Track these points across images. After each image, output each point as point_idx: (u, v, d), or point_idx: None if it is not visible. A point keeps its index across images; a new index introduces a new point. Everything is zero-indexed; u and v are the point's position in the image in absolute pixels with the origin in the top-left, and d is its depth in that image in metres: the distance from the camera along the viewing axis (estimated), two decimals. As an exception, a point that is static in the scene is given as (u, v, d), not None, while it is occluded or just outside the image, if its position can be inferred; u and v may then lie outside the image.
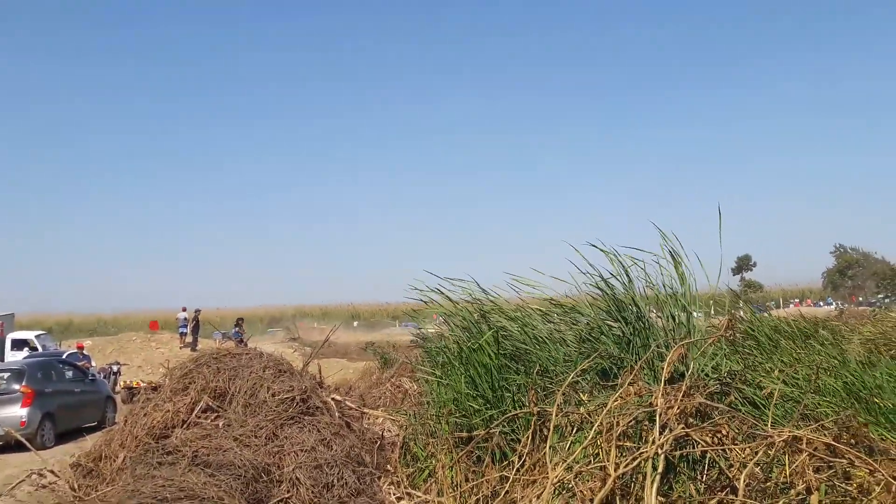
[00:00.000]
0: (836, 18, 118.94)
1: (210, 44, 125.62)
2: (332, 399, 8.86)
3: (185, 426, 7.87)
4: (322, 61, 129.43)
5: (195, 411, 8.04)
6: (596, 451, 5.01)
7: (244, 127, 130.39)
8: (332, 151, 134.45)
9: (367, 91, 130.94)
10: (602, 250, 7.13)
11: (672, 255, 6.99)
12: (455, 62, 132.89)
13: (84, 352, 26.86)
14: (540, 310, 8.17)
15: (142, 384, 20.33)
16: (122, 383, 23.35)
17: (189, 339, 33.23)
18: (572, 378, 5.84)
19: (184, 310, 34.26)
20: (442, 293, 8.47)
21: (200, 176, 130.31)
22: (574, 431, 5.52)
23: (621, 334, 6.81)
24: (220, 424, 7.76)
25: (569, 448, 5.20)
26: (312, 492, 6.77)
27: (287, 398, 8.03)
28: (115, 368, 26.32)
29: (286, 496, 6.76)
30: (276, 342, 36.39)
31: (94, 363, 25.67)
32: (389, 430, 9.00)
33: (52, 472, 8.02)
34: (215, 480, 6.45)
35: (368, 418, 9.40)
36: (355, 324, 58.49)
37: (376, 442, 8.19)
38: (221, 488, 6.34)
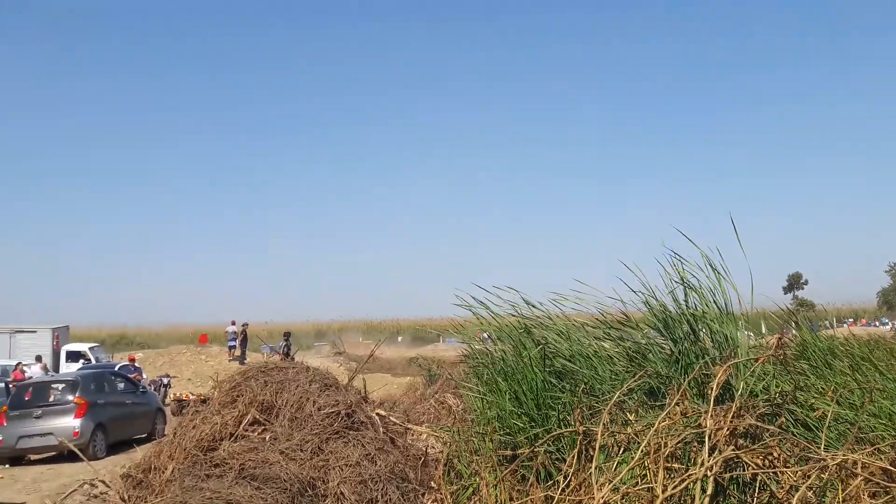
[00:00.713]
0: (887, 27, 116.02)
1: (243, 50, 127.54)
2: (377, 414, 8.90)
3: (232, 439, 7.97)
4: (364, 66, 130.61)
5: (243, 424, 8.14)
6: (643, 473, 4.94)
7: (289, 136, 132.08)
8: (377, 162, 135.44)
9: (406, 100, 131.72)
10: (657, 266, 7.04)
11: (722, 271, 6.87)
12: (500, 67, 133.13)
13: (135, 364, 27.49)
14: (587, 325, 8.09)
15: (191, 397, 20.69)
16: (171, 395, 23.78)
17: (237, 352, 33.73)
18: (618, 397, 5.75)
19: (233, 323, 34.81)
20: (487, 307, 8.43)
21: (250, 190, 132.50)
22: (621, 452, 5.44)
23: (670, 353, 6.71)
24: (267, 438, 7.84)
25: (615, 468, 5.13)
26: (357, 507, 6.80)
27: (332, 412, 8.09)
28: (165, 381, 26.84)
29: (331, 511, 6.80)
30: (322, 356, 36.70)
31: (145, 375, 26.25)
32: (433, 447, 8.99)
33: (103, 482, 8.20)
34: (262, 494, 6.52)
35: (412, 434, 9.40)
36: (399, 339, 58.67)
37: (420, 458, 8.18)
38: (268, 502, 6.41)
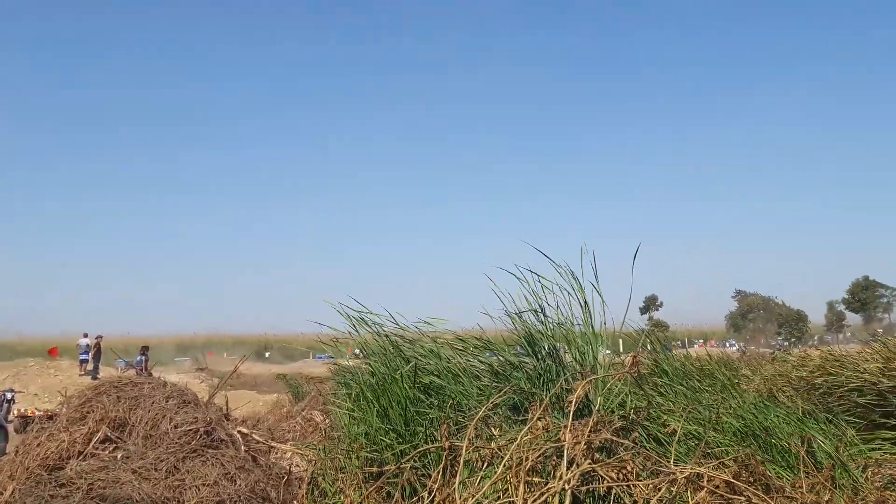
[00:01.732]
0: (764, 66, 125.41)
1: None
2: (239, 432, 8.61)
3: (81, 457, 7.47)
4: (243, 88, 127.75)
5: (92, 442, 7.65)
6: (505, 487, 5.01)
7: (163, 153, 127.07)
8: (247, 177, 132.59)
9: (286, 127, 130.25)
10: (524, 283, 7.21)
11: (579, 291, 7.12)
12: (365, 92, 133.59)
13: (-26, 378, 25.39)
14: (456, 342, 8.18)
15: (37, 413, 19.34)
16: (15, 412, 22.09)
17: (90, 366, 31.90)
18: (483, 412, 5.84)
19: (85, 336, 32.85)
20: (360, 322, 8.37)
21: (116, 198, 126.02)
22: (484, 466, 5.50)
23: (532, 369, 6.88)
24: (119, 456, 7.41)
25: (479, 483, 5.19)
26: (213, 528, 6.54)
27: (190, 430, 7.75)
28: (8, 396, 24.84)
29: (185, 532, 6.50)
30: (183, 372, 35.32)
31: (-16, 390, 24.30)
32: (298, 465, 8.79)
33: (-70, 506, 7.49)
34: (110, 515, 6.15)
35: (276, 452, 9.16)
36: (267, 354, 57.38)
37: (283, 477, 7.96)
38: (116, 523, 6.06)
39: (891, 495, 5.30)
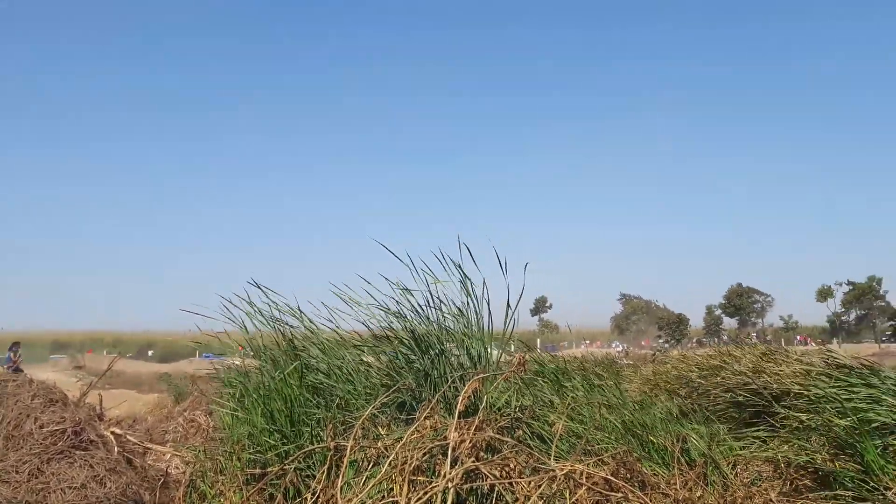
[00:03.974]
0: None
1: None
2: (112, 432, 8.17)
3: (-68, 462, 6.90)
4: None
5: (-53, 445, 7.08)
6: (390, 487, 4.97)
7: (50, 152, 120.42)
8: (134, 173, 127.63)
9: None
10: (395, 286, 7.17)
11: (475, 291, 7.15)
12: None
13: None
14: (351, 339, 8.04)
15: None
16: None
17: (-47, 364, 29.84)
18: (370, 411, 5.77)
19: (-53, 331, 30.73)
20: (249, 317, 8.08)
21: None
22: (370, 466, 5.44)
23: (420, 368, 6.85)
24: (-24, 460, 6.89)
25: (363, 483, 5.12)
26: (80, 534, 6.17)
27: (57, 430, 7.28)
28: None
29: (49, 539, 6.09)
30: (59, 370, 33.54)
31: None
32: (177, 467, 8.43)
33: None
34: (-37, 523, 5.70)
35: (153, 454, 8.75)
36: (150, 353, 55.26)
37: (159, 479, 7.61)
38: (-30, 532, 5.62)
39: (757, 491, 5.57)
